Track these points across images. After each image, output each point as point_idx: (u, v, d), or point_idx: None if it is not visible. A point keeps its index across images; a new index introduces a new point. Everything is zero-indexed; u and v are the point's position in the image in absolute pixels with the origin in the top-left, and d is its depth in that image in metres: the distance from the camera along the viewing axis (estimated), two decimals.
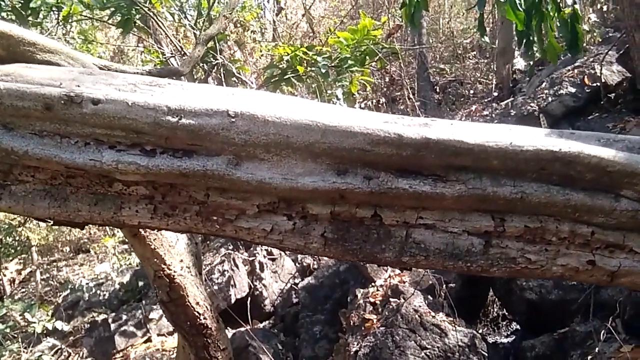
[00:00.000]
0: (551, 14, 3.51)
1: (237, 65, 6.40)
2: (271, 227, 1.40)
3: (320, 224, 1.39)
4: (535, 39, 3.66)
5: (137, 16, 6.31)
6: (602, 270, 1.32)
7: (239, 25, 9.89)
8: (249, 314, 6.38)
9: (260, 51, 9.33)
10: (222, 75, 6.05)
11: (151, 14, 6.47)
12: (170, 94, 1.34)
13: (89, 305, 8.01)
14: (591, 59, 7.23)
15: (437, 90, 10.61)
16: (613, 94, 6.74)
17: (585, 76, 7.12)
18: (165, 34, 7.04)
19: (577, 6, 3.66)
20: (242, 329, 6.07)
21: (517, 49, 9.72)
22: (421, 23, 10.54)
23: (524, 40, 3.79)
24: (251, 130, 1.29)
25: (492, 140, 1.25)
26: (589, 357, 3.97)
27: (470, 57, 11.63)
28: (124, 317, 6.99)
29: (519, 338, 5.11)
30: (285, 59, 5.34)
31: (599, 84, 6.89)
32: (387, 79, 9.76)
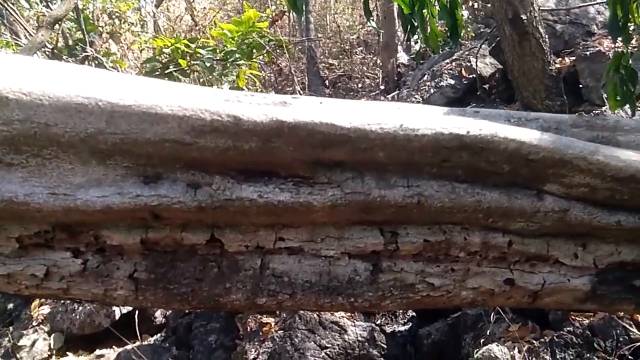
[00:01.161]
0: (431, 0, 3.39)
1: (111, 58, 5.61)
2: (46, 270, 0.84)
3: (127, 260, 0.86)
4: (418, 25, 3.52)
5: None
6: (522, 290, 0.95)
7: (113, 16, 8.87)
8: (137, 329, 5.59)
9: (140, 44, 8.41)
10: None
11: (4, 2, 5.46)
12: None
13: None
14: (466, 53, 7.41)
15: (327, 84, 10.43)
16: (487, 85, 6.95)
17: (462, 69, 7.29)
18: (22, 24, 6.00)
19: None
20: (129, 346, 5.30)
21: (399, 43, 9.79)
22: (309, 18, 10.27)
23: (409, 27, 3.64)
24: None
25: (374, 123, 0.80)
26: (481, 340, 3.89)
27: (357, 53, 11.66)
28: None
29: (415, 326, 4.98)
30: (166, 52, 4.75)
31: (474, 75, 7.07)
32: (277, 74, 9.34)
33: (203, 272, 0.88)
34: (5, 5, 5.62)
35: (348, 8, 12.14)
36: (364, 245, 0.90)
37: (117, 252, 0.86)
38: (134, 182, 0.80)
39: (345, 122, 0.80)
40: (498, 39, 6.25)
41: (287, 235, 0.89)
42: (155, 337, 6.11)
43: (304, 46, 10.07)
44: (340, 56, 11.63)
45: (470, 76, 7.13)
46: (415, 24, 3.58)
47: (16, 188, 0.77)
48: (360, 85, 10.27)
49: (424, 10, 3.44)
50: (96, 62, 5.30)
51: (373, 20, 4.75)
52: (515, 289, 0.94)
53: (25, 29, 6.06)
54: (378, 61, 10.93)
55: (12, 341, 6.14)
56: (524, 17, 5.15)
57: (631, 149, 1.00)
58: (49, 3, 7.38)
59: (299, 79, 10.09)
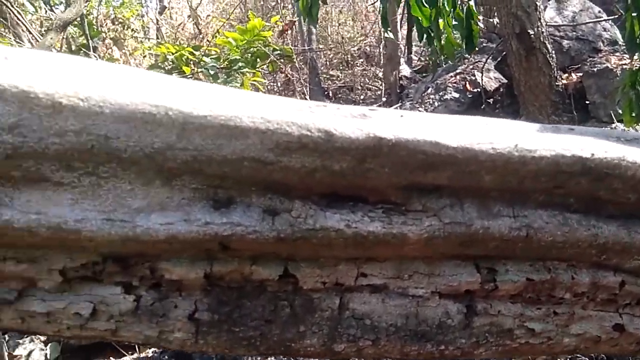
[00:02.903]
0: (447, 9, 3.36)
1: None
2: (93, 309, 0.70)
3: (186, 297, 0.72)
4: (434, 35, 3.49)
5: None
6: (631, 337, 0.83)
7: (117, 22, 8.80)
8: None
9: (143, 50, 8.31)
10: None
11: (7, 3, 5.36)
12: None
13: None
14: (470, 67, 7.37)
15: (329, 95, 10.36)
16: (491, 99, 6.90)
17: (467, 82, 7.24)
18: (26, 27, 5.87)
19: (471, 3, 3.50)
20: (127, 358, 5.09)
21: (402, 56, 9.76)
22: (311, 29, 10.23)
23: (425, 37, 3.63)
24: (24, 124, 0.58)
25: (486, 142, 0.68)
26: None
27: (358, 64, 11.61)
28: None
29: None
30: (170, 58, 4.67)
31: (479, 89, 7.01)
32: (279, 83, 9.24)
33: (274, 313, 0.74)
34: (9, 8, 5.50)
35: (350, 20, 12.13)
36: (458, 283, 0.77)
37: (175, 288, 0.72)
38: (202, 207, 0.67)
39: (452, 140, 0.67)
40: (504, 53, 6.21)
41: (370, 270, 0.75)
42: (153, 348, 5.90)
43: (305, 56, 10.01)
44: (341, 67, 11.59)
45: (475, 90, 7.08)
46: (432, 34, 3.53)
47: (65, 212, 0.63)
48: (362, 97, 10.21)
49: (439, 21, 3.39)
50: None
51: (390, 30, 4.68)
52: (625, 336, 0.82)
53: (29, 32, 5.93)
54: (379, 73, 10.89)
55: (7, 350, 5.90)
56: (531, 32, 5.09)
57: None
58: (52, 7, 7.25)
59: (299, 89, 10.01)
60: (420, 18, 3.26)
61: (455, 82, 7.64)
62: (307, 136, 0.64)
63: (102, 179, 0.63)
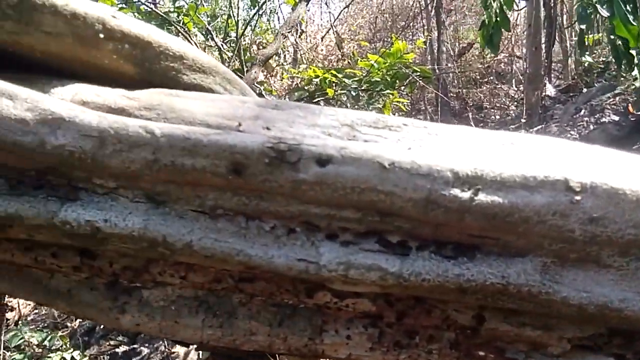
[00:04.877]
0: None
1: (263, 87, 5.95)
2: None
3: None
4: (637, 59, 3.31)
5: None
6: None
7: (261, 47, 9.47)
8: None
9: (288, 72, 8.86)
10: None
11: (183, 32, 6.01)
12: (432, 147, 0.70)
13: (105, 332, 7.20)
14: (632, 87, 6.75)
15: (456, 114, 10.14)
16: None
17: (629, 104, 6.62)
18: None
19: None
20: None
21: (545, 75, 9.26)
22: (441, 47, 10.13)
23: (623, 61, 3.45)
24: (608, 216, 0.65)
25: None
26: None
27: (488, 83, 11.22)
28: (145, 350, 6.21)
29: None
30: (314, 81, 4.96)
31: None
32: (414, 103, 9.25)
33: None
34: (186, 37, 6.12)
35: (479, 37, 11.79)
36: None
37: None
38: None
39: None
40: None
41: None
42: None
43: (436, 75, 9.89)
44: (469, 85, 11.28)
45: (639, 113, 6.47)
46: (635, 58, 3.30)
47: (607, 292, 0.69)
48: (497, 117, 9.83)
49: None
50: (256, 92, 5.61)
51: (588, 53, 4.47)
52: None
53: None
54: (511, 92, 10.44)
55: (167, 347, 6.53)
56: None
57: None
58: (212, 36, 7.97)
59: (430, 109, 9.94)
60: (624, 39, 3.08)
61: (614, 104, 7.05)
62: None
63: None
